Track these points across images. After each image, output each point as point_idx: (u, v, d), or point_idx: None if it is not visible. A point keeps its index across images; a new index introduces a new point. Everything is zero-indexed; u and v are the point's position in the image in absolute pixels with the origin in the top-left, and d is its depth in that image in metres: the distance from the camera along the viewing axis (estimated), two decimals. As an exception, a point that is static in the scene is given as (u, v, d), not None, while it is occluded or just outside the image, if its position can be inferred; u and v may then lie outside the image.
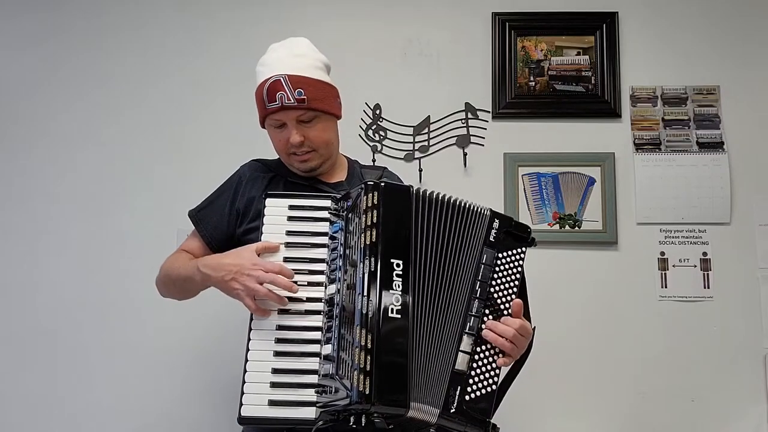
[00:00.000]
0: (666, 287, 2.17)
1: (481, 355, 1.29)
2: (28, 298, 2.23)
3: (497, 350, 1.30)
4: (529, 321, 1.37)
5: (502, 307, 1.32)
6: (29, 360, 2.20)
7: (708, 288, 2.16)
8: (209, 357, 2.16)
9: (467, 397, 1.25)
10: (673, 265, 2.18)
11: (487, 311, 1.31)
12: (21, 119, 2.33)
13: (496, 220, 1.37)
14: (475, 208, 1.37)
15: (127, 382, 2.17)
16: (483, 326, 1.30)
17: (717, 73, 2.26)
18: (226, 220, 1.54)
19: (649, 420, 2.11)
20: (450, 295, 1.29)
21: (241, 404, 1.26)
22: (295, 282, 1.32)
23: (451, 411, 1.23)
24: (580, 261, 2.19)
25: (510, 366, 1.34)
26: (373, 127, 2.29)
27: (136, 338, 2.19)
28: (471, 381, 1.27)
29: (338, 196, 1.40)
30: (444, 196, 1.35)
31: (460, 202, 1.36)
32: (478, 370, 1.28)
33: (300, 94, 1.46)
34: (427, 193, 1.33)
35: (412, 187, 1.33)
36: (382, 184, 1.30)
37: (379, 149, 2.27)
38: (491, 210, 1.38)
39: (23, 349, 2.20)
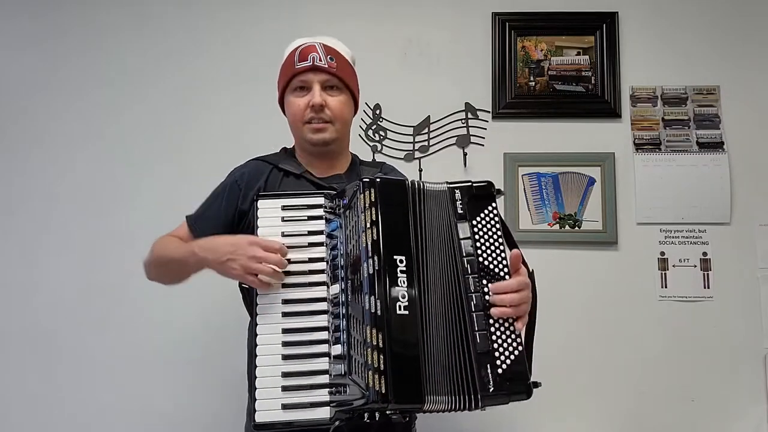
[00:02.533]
0: (666, 287, 2.17)
1: (497, 326, 1.29)
2: (28, 298, 2.23)
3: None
4: (525, 265, 1.36)
5: (497, 270, 1.31)
6: (29, 360, 2.20)
7: (708, 288, 2.16)
8: (211, 356, 2.16)
9: (500, 371, 1.25)
10: (673, 265, 2.18)
11: (484, 281, 1.30)
12: (21, 119, 2.33)
13: (457, 192, 1.36)
14: (435, 188, 1.36)
15: (128, 382, 2.17)
16: (487, 299, 1.29)
17: (717, 73, 2.26)
18: (222, 223, 1.53)
19: (649, 420, 2.11)
20: (447, 281, 1.29)
21: (254, 410, 1.26)
22: (289, 272, 1.33)
23: (491, 390, 1.24)
24: (580, 261, 2.19)
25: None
26: (373, 127, 2.29)
27: (137, 338, 2.19)
28: (497, 354, 1.26)
29: (332, 193, 1.40)
30: (419, 183, 1.34)
31: (425, 187, 1.35)
32: (500, 341, 1.27)
33: (332, 60, 1.53)
34: (417, 184, 1.34)
35: (406, 180, 1.34)
36: (378, 180, 1.30)
37: (379, 149, 2.27)
38: (447, 183, 1.37)
39: (23, 349, 2.20)
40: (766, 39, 2.27)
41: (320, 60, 1.51)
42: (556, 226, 2.21)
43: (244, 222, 1.51)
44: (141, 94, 2.33)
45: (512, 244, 1.37)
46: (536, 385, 1.28)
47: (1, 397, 2.18)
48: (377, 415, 1.19)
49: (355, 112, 1.64)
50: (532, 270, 1.36)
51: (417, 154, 2.27)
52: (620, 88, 2.26)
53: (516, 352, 1.27)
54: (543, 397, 2.11)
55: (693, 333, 2.14)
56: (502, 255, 1.33)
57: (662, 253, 2.19)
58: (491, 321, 1.28)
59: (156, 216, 2.21)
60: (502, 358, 1.26)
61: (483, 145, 2.27)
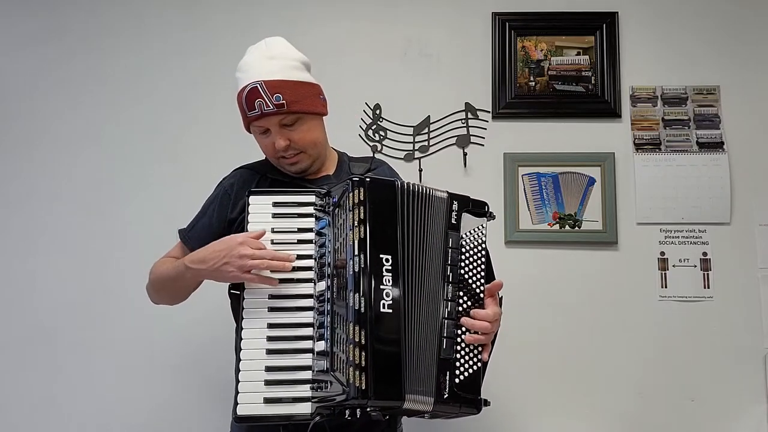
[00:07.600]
0: (666, 287, 2.17)
1: (463, 337, 1.33)
2: (27, 297, 2.23)
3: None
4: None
5: (474, 286, 1.37)
6: (29, 360, 2.20)
7: (708, 288, 2.16)
8: (212, 355, 2.16)
9: (457, 380, 1.29)
10: (673, 265, 2.18)
11: (460, 293, 1.35)
12: (21, 119, 2.33)
13: (455, 202, 1.39)
14: (435, 194, 1.38)
15: (127, 381, 2.17)
16: (460, 309, 1.33)
17: (717, 73, 2.26)
18: (214, 233, 1.51)
19: (649, 420, 2.11)
20: (429, 284, 1.32)
21: (236, 403, 1.28)
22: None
23: (445, 396, 1.27)
24: (580, 261, 2.19)
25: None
26: (373, 127, 2.29)
27: (137, 338, 2.19)
28: (458, 364, 1.31)
29: (323, 191, 1.41)
30: (418, 186, 1.37)
31: (425, 190, 1.37)
32: (462, 352, 1.32)
33: (278, 99, 1.44)
34: (408, 186, 1.35)
35: (396, 181, 1.36)
36: (368, 179, 1.32)
37: (379, 149, 2.27)
38: (448, 192, 1.40)
39: (23, 348, 2.20)
40: (766, 39, 2.27)
41: (267, 106, 1.43)
42: (556, 226, 2.21)
43: (232, 230, 1.51)
44: (140, 95, 2.33)
45: (489, 269, 1.43)
46: (486, 403, 1.32)
47: (0, 396, 2.18)
48: (358, 412, 1.20)
49: (325, 113, 1.56)
50: (501, 296, 1.43)
51: (417, 154, 2.27)
52: (620, 88, 2.26)
53: (474, 368, 1.32)
54: (543, 397, 2.13)
55: (693, 333, 2.14)
56: (482, 273, 1.38)
57: (662, 253, 2.19)
58: (459, 332, 1.33)
59: (155, 216, 2.23)
60: (462, 369, 1.31)
61: (483, 145, 2.27)
